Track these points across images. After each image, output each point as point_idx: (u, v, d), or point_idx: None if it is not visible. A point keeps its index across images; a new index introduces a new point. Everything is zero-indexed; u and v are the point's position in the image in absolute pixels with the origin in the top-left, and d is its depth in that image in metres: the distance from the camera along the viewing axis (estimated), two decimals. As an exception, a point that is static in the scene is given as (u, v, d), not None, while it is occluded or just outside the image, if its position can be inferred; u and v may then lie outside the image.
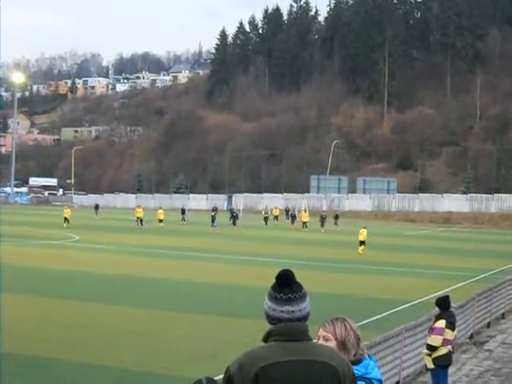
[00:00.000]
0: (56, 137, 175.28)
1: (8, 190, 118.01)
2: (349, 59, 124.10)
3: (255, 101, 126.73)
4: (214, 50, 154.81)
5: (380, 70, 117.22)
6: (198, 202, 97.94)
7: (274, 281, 3.56)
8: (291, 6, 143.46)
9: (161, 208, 58.97)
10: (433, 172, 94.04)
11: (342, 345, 3.85)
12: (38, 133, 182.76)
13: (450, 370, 10.76)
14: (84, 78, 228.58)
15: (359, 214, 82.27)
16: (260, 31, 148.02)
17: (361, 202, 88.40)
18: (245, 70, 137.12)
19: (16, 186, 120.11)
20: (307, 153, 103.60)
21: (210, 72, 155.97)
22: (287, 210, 72.03)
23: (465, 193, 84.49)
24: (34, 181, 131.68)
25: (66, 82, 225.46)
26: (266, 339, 3.47)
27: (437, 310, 10.28)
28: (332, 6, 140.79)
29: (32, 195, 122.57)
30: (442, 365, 10.15)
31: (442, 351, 10.01)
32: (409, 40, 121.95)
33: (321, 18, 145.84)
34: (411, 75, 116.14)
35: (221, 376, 3.51)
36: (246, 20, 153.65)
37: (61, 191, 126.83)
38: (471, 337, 15.48)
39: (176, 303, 19.15)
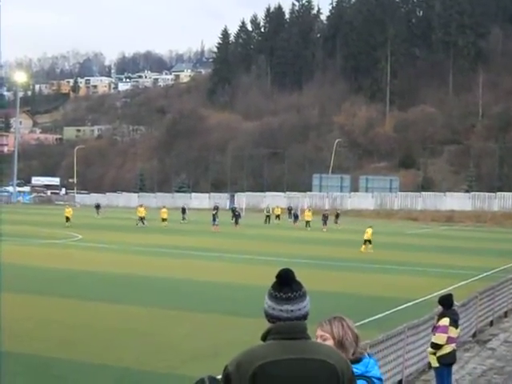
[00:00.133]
0: (58, 136, 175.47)
1: (10, 189, 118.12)
2: (351, 58, 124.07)
3: (257, 99, 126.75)
4: (215, 49, 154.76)
5: (382, 68, 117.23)
6: (200, 200, 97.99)
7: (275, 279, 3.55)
8: (293, 4, 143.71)
9: (164, 207, 58.91)
10: (435, 170, 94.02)
11: (340, 344, 3.83)
12: (41, 132, 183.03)
13: (453, 368, 10.72)
14: (86, 77, 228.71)
15: (361, 212, 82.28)
16: (262, 30, 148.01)
17: (363, 201, 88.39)
18: (247, 69, 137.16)
19: (18, 185, 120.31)
20: (309, 151, 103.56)
21: (212, 71, 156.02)
22: (290, 209, 72.00)
23: (467, 191, 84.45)
24: (37, 180, 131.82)
25: (68, 82, 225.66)
26: (264, 338, 3.47)
27: (440, 308, 10.25)
28: (334, 4, 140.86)
29: (34, 194, 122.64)
30: (447, 363, 10.12)
31: (447, 350, 9.97)
32: (411, 38, 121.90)
33: (323, 17, 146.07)
34: (413, 74, 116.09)
35: (222, 375, 3.49)
36: (248, 19, 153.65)
37: (63, 190, 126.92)
38: (474, 335, 15.44)
39: (178, 302, 19.13)
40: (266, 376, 3.28)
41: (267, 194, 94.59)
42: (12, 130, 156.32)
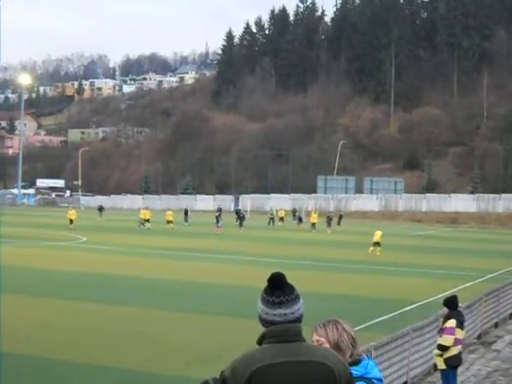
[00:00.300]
0: (63, 138, 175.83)
1: (15, 191, 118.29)
2: (355, 59, 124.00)
3: (262, 101, 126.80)
4: (220, 51, 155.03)
5: (386, 70, 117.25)
6: (205, 202, 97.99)
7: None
8: (297, 6, 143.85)
9: (169, 209, 58.88)
10: (440, 172, 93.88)
11: (336, 347, 3.79)
12: (45, 134, 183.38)
13: (458, 370, 10.68)
14: (91, 80, 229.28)
15: (366, 214, 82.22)
16: (266, 32, 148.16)
17: (368, 202, 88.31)
18: (251, 71, 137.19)
19: (23, 187, 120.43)
20: (314, 153, 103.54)
21: (216, 73, 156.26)
22: (294, 211, 71.86)
23: (472, 193, 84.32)
24: (42, 182, 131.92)
25: (72, 84, 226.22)
26: (260, 342, 3.44)
27: (445, 310, 10.20)
28: (338, 6, 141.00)
29: (39, 197, 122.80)
30: (453, 365, 10.09)
31: (453, 351, 9.93)
32: (415, 40, 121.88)
33: (327, 19, 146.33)
34: (418, 75, 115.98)
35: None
36: (252, 21, 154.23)
37: (68, 192, 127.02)
38: (479, 337, 15.40)
39: (182, 304, 19.09)
40: (262, 380, 3.26)
41: (272, 195, 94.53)
42: (17, 132, 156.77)
